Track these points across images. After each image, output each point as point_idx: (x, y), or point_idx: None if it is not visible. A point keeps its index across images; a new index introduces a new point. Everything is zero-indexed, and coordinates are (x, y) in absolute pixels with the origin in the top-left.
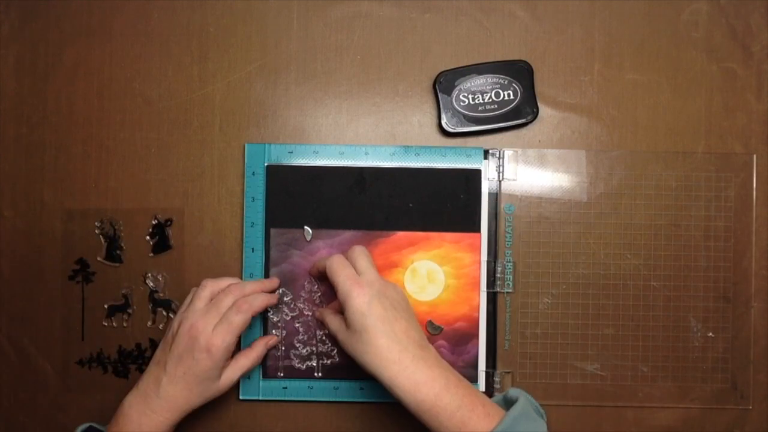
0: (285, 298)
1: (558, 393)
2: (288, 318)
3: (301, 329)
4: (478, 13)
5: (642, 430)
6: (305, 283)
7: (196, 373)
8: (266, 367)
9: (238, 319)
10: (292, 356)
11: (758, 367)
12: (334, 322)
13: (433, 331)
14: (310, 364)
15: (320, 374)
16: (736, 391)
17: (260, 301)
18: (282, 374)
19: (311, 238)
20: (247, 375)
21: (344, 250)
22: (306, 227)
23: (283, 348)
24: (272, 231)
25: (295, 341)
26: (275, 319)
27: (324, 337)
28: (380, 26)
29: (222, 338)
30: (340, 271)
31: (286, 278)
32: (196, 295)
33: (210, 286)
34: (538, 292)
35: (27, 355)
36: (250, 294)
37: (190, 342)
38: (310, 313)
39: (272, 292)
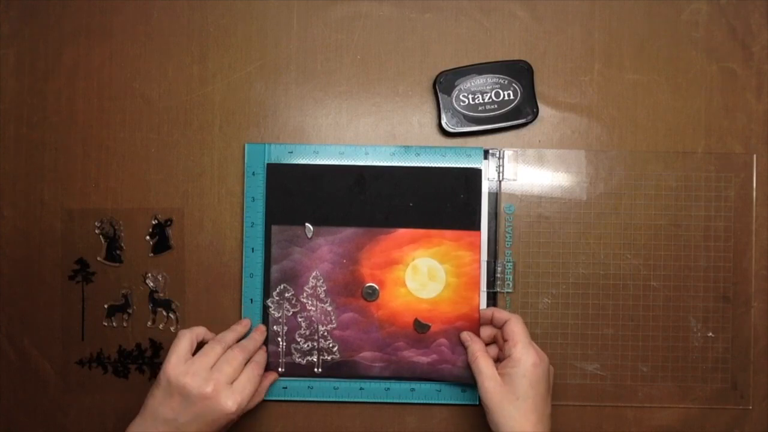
0: (286, 294)
1: (558, 393)
2: (289, 314)
3: (303, 324)
4: (478, 13)
5: (642, 430)
6: (310, 278)
7: (214, 429)
8: (267, 363)
9: (258, 380)
10: (293, 351)
11: (758, 367)
12: (488, 367)
13: (420, 329)
14: (310, 359)
15: (320, 370)
16: (736, 391)
17: (265, 360)
18: (282, 369)
19: (312, 234)
20: None
21: (346, 248)
22: (307, 224)
23: (284, 344)
24: (273, 228)
25: (297, 336)
26: (276, 314)
27: (326, 333)
28: (380, 26)
29: (243, 399)
30: (525, 332)
31: (287, 275)
32: (211, 351)
33: (223, 346)
34: (538, 292)
35: (27, 355)
36: (252, 352)
37: (208, 404)
38: (313, 308)
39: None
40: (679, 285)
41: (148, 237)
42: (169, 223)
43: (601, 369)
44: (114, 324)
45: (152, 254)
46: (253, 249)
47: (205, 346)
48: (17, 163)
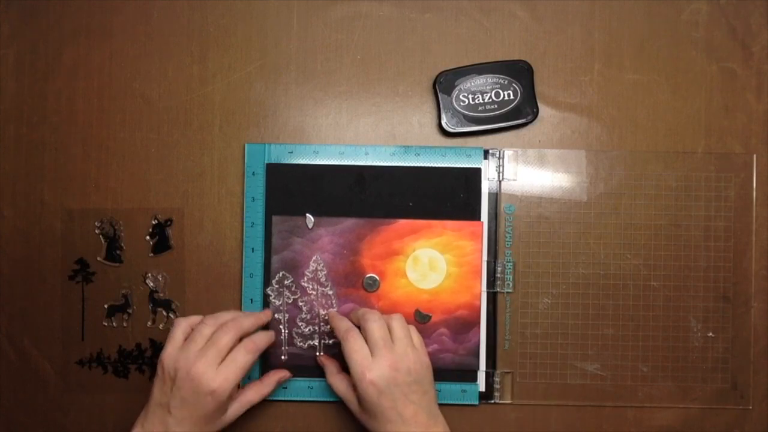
0: (286, 281)
1: (558, 393)
2: (290, 301)
3: (304, 308)
4: (478, 13)
5: (642, 430)
6: (310, 262)
7: (203, 414)
8: (268, 354)
9: (248, 360)
10: (295, 335)
11: (758, 367)
12: (342, 389)
13: (421, 320)
14: (312, 343)
15: (321, 353)
16: (736, 391)
17: (265, 341)
18: (285, 357)
19: (313, 225)
20: (247, 375)
21: (347, 238)
22: (308, 215)
23: (286, 332)
24: (274, 218)
25: (298, 320)
26: (277, 303)
27: (327, 317)
28: (380, 26)
29: (226, 379)
30: (353, 354)
31: (288, 266)
32: (197, 334)
33: (211, 325)
34: (538, 292)
35: (27, 355)
36: (249, 329)
37: (192, 385)
38: (314, 292)
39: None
40: (679, 285)
41: (148, 237)
42: (169, 223)
43: (601, 369)
44: (114, 324)
45: (152, 254)
46: (253, 249)
47: (194, 330)
48: (17, 163)
